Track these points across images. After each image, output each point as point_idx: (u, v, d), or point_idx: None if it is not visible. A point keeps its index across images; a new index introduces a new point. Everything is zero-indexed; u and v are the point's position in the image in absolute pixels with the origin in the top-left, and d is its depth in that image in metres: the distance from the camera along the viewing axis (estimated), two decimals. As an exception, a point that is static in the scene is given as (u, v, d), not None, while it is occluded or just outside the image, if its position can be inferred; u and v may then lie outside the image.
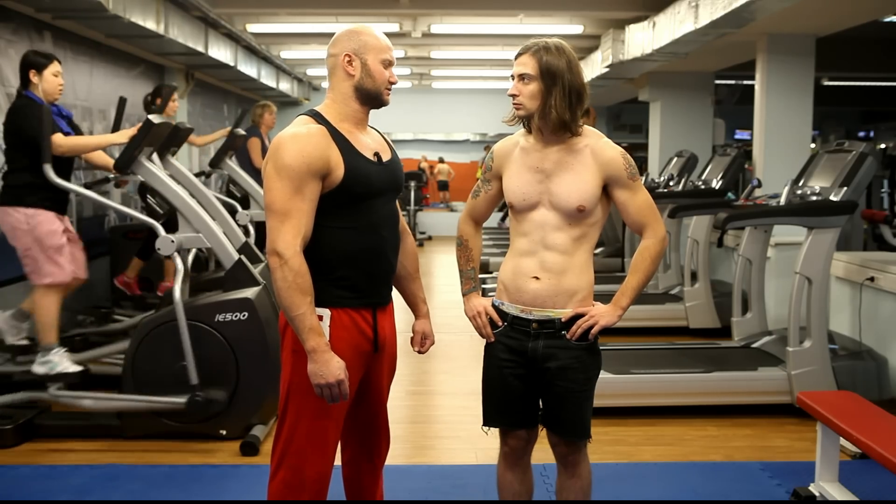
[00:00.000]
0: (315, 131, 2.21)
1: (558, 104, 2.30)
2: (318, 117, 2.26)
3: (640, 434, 4.12)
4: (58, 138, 3.99)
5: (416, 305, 2.56)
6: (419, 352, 2.55)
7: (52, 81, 4.11)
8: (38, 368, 4.00)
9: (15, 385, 4.16)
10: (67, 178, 4.33)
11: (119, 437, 3.93)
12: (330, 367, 2.14)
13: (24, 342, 4.33)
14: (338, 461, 2.44)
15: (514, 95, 2.36)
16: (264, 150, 6.82)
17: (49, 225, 4.01)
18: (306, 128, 2.21)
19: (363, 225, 2.27)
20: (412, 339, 2.55)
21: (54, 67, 4.13)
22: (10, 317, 4.31)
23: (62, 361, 4.01)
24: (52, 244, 4.01)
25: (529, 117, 2.38)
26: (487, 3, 7.23)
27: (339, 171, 2.20)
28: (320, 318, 2.21)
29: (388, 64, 2.30)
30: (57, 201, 4.11)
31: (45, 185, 4.01)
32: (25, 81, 4.10)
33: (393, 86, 2.33)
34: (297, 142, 2.17)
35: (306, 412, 2.26)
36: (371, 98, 2.30)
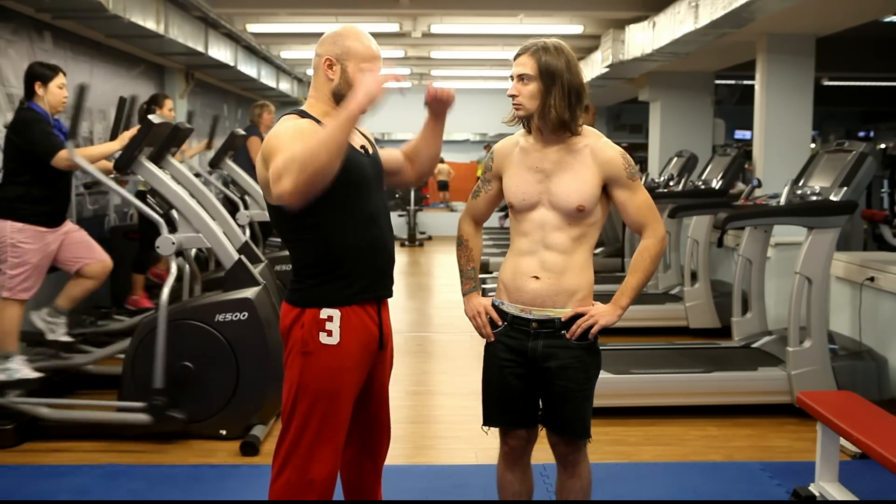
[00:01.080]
0: (305, 122, 2.23)
1: (557, 104, 2.30)
2: (305, 114, 2.28)
3: (640, 434, 4.12)
4: (65, 153, 4.00)
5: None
6: (441, 97, 2.38)
7: (56, 94, 4.13)
8: None
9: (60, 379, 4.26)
10: (70, 189, 4.35)
11: (119, 437, 3.93)
12: (368, 82, 2.08)
13: (66, 338, 4.34)
14: None
15: (513, 96, 2.36)
16: None
17: (35, 242, 4.03)
18: (295, 121, 2.23)
19: (364, 216, 2.28)
20: (431, 90, 2.37)
21: (59, 80, 4.14)
22: (46, 314, 4.33)
23: (21, 368, 4.01)
24: (28, 261, 4.03)
25: (529, 117, 2.38)
26: (487, 3, 7.22)
27: None
28: (330, 318, 2.22)
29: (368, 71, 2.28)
30: (52, 215, 4.12)
31: (41, 198, 4.03)
32: (30, 93, 4.11)
33: None
34: (288, 130, 2.18)
35: (316, 413, 2.25)
36: None
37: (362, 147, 2.34)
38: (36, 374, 4.04)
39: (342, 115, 2.06)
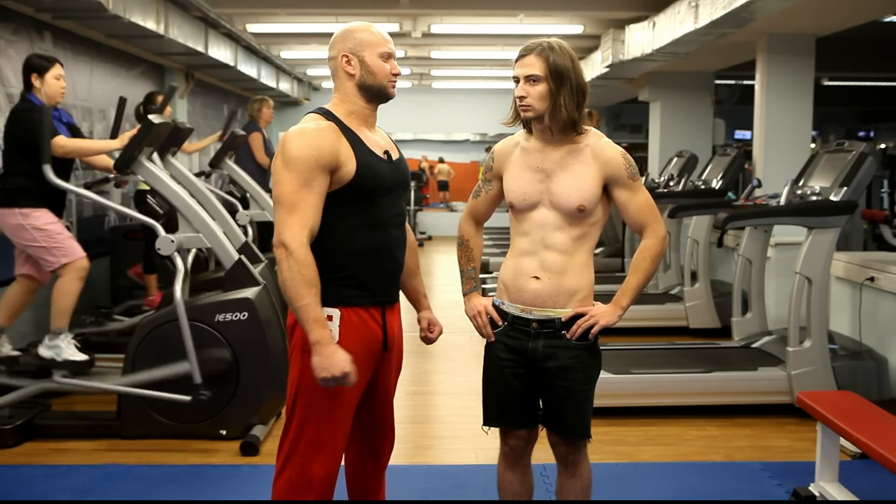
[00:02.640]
0: (325, 126, 2.22)
1: (567, 103, 2.30)
2: (328, 114, 2.28)
3: (640, 434, 4.12)
4: (60, 140, 4.00)
5: (417, 301, 2.58)
6: (428, 340, 2.54)
7: (54, 85, 4.11)
8: (45, 352, 4.01)
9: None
10: (66, 180, 4.33)
11: (119, 437, 3.93)
12: (334, 360, 2.13)
13: (11, 353, 4.29)
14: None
15: (521, 97, 2.33)
16: (265, 143, 6.87)
17: (46, 217, 4.04)
18: (315, 123, 2.23)
19: (373, 223, 2.27)
20: (420, 327, 2.54)
21: (56, 70, 4.13)
22: (48, 340, 4.31)
23: (69, 348, 4.02)
24: (54, 230, 4.04)
25: (539, 118, 2.35)
26: (487, 3, 7.23)
27: (349, 165, 2.20)
28: (330, 317, 2.22)
29: (387, 56, 2.30)
30: (53, 204, 4.11)
31: (42, 188, 4.02)
32: (28, 85, 4.10)
33: (397, 77, 2.33)
34: (305, 136, 2.19)
35: (315, 411, 2.26)
36: (376, 94, 2.30)
37: (385, 152, 2.32)
38: (83, 357, 4.05)
39: (310, 328, 2.14)
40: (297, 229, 2.14)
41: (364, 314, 2.28)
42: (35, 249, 4.03)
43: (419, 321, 2.55)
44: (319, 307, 2.16)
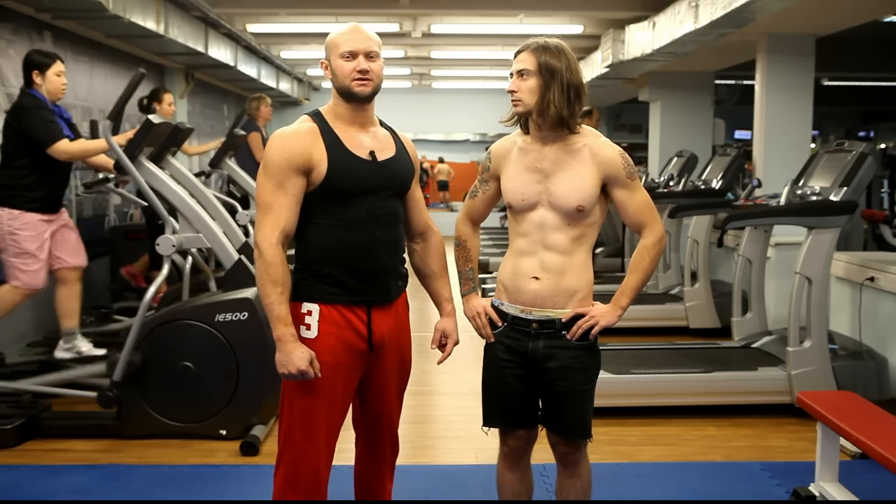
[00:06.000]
0: (303, 129, 2.27)
1: (556, 100, 2.30)
2: (317, 116, 2.32)
3: (640, 434, 4.12)
4: (62, 145, 3.99)
5: (439, 304, 2.55)
6: (441, 351, 2.50)
7: (55, 81, 4.11)
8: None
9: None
10: (67, 176, 4.34)
11: (119, 437, 3.93)
12: (291, 357, 2.19)
13: (96, 352, 4.37)
14: (351, 460, 2.51)
15: (512, 91, 2.36)
16: (265, 142, 6.86)
17: (30, 230, 4.03)
18: (296, 126, 2.29)
19: (351, 222, 2.28)
20: (433, 338, 2.52)
21: (57, 67, 4.12)
22: (63, 344, 4.33)
23: None
24: (27, 249, 4.03)
25: (528, 113, 2.37)
26: (487, 3, 7.23)
27: (321, 167, 2.23)
28: (309, 312, 2.26)
29: (348, 56, 2.26)
30: (48, 201, 4.11)
31: (37, 184, 4.01)
32: (28, 81, 4.09)
33: (363, 76, 2.25)
34: (281, 139, 2.25)
35: (298, 409, 2.30)
36: (345, 94, 2.30)
37: (371, 153, 2.31)
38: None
39: (273, 325, 2.21)
40: (268, 230, 2.21)
41: (347, 312, 2.28)
42: (2, 253, 4.03)
43: (434, 329, 2.52)
44: (284, 306, 2.21)
